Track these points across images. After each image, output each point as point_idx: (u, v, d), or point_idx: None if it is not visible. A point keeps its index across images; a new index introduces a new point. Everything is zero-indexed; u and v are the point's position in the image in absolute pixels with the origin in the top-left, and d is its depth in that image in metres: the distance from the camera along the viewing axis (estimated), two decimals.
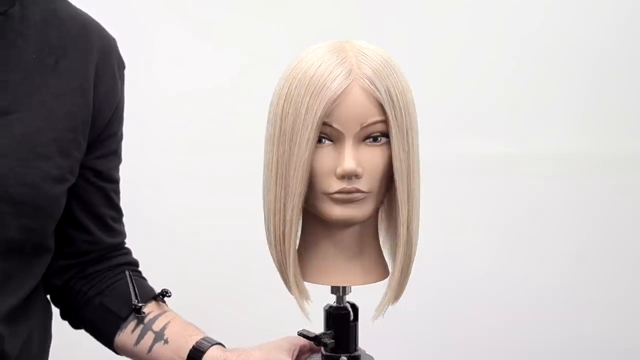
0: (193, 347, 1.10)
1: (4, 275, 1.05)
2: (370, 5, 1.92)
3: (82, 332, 1.21)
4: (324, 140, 0.97)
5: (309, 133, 0.96)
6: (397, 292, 1.05)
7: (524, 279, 1.97)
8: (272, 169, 1.00)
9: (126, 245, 1.23)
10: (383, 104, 0.96)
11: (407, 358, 1.92)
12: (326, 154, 0.97)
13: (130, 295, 1.15)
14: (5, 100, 1.02)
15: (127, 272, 1.17)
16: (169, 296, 1.18)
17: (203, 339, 1.11)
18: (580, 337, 1.99)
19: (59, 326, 1.21)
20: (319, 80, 0.96)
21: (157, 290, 1.20)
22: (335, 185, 0.97)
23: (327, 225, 1.01)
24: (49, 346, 1.18)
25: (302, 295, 1.03)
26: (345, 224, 1.01)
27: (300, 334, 1.06)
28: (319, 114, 0.96)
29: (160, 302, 1.18)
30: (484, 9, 1.94)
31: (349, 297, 1.07)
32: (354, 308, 1.06)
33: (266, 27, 1.88)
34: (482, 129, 1.97)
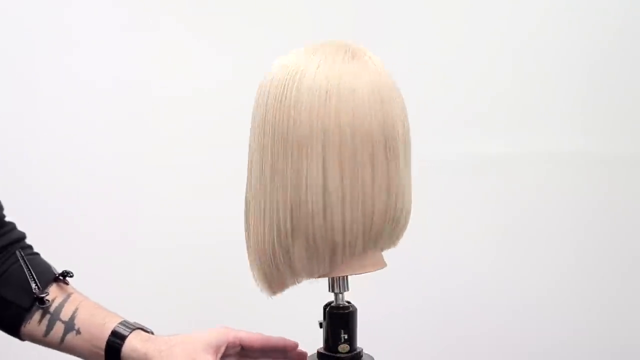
0: (110, 337, 1.06)
1: None
2: (369, 5, 1.92)
3: None
4: None
5: None
6: None
7: (523, 279, 1.97)
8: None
9: (7, 219, 1.16)
10: None
11: (407, 358, 1.92)
12: None
13: (29, 281, 1.10)
14: None
15: (18, 253, 1.12)
16: (71, 276, 1.13)
17: (120, 324, 1.08)
18: (579, 337, 1.99)
19: None
20: None
21: (53, 264, 1.15)
22: None
23: None
24: None
25: None
26: None
27: None
28: None
29: (62, 284, 1.13)
30: (484, 9, 1.94)
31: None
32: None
33: (257, 30, 1.88)
34: (482, 128, 1.96)
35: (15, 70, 1.82)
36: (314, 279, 1.01)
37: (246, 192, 1.02)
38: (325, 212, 0.96)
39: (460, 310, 1.96)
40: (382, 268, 1.03)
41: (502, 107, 1.96)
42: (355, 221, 0.97)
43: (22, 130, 1.82)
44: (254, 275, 1.02)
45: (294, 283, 1.01)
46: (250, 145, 1.01)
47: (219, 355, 1.06)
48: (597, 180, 1.98)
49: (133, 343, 1.06)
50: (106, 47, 1.85)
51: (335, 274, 1.01)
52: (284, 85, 0.97)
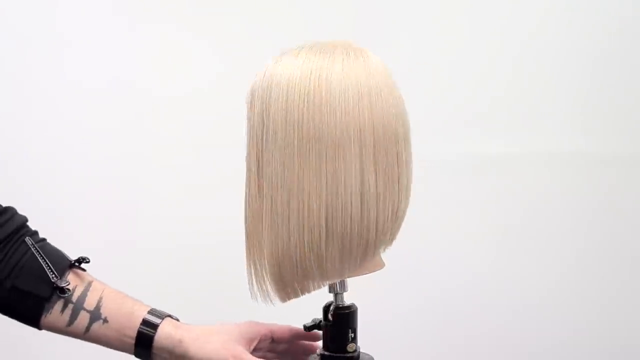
0: (141, 326, 1.07)
1: None
2: (369, 5, 1.91)
3: None
4: None
5: None
6: None
7: (524, 279, 1.97)
8: None
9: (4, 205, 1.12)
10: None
11: (407, 358, 1.92)
12: None
13: (44, 270, 1.08)
14: None
15: (28, 241, 1.10)
16: (88, 262, 1.12)
17: (149, 313, 1.08)
18: (579, 337, 1.99)
19: None
20: None
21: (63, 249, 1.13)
22: None
23: None
24: None
25: None
26: None
27: None
28: None
29: (79, 270, 1.11)
30: (484, 9, 1.94)
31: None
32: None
33: (256, 29, 1.88)
34: (482, 128, 1.96)
35: (12, 72, 1.82)
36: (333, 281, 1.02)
37: (251, 201, 0.99)
38: (362, 212, 0.96)
39: (460, 310, 1.96)
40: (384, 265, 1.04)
41: (502, 107, 1.96)
42: (387, 219, 0.98)
43: (20, 132, 1.82)
44: (264, 285, 1.00)
45: (318, 287, 1.01)
46: (257, 150, 0.99)
47: (252, 347, 1.07)
48: (597, 180, 1.98)
49: (166, 330, 1.07)
50: (104, 48, 1.85)
51: (359, 273, 1.01)
52: (310, 86, 0.96)
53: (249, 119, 1.00)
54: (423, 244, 1.84)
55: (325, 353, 1.06)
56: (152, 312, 1.09)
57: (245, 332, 1.07)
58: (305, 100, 0.95)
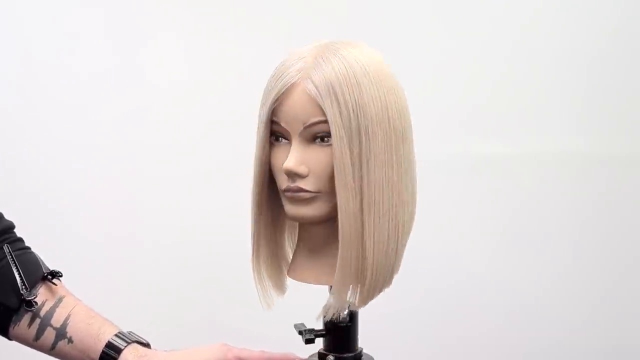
0: (104, 348, 1.04)
1: None
2: (362, 5, 1.91)
3: None
4: (280, 139, 0.97)
5: (262, 130, 0.97)
6: (340, 302, 0.96)
7: (520, 279, 1.97)
8: (252, 167, 1.00)
9: None
10: (322, 104, 0.92)
11: (407, 358, 1.91)
12: (280, 152, 0.96)
13: (16, 280, 1.06)
14: None
15: (6, 249, 1.08)
16: (60, 276, 1.10)
17: (115, 336, 1.06)
18: (575, 337, 1.99)
19: None
20: (274, 78, 0.96)
21: (46, 260, 1.11)
22: (284, 183, 0.96)
23: (300, 223, 1.01)
24: None
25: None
26: (300, 222, 1.00)
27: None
28: (266, 111, 0.95)
29: (52, 284, 1.09)
30: (479, 8, 1.94)
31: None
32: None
33: (252, 26, 1.88)
34: (477, 128, 1.96)
35: (10, 72, 1.81)
36: None
37: (347, 206, 0.93)
38: (416, 206, 0.99)
39: (457, 310, 1.96)
40: None
41: (497, 107, 1.96)
42: None
43: (20, 131, 1.82)
44: (346, 297, 0.97)
45: (387, 287, 1.00)
46: (351, 151, 0.93)
47: None
48: (594, 180, 1.98)
49: (129, 359, 1.04)
50: (100, 48, 1.84)
51: None
52: (394, 82, 0.96)
53: (334, 117, 0.92)
54: (419, 245, 1.82)
55: (348, 355, 1.04)
56: (118, 335, 1.07)
57: (211, 358, 1.05)
58: (394, 101, 0.95)
